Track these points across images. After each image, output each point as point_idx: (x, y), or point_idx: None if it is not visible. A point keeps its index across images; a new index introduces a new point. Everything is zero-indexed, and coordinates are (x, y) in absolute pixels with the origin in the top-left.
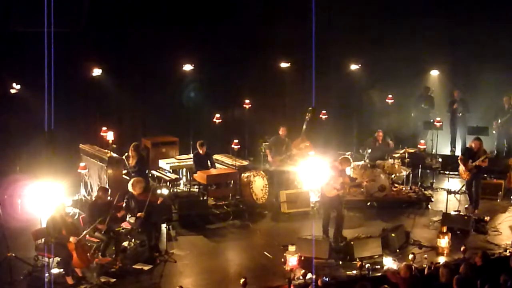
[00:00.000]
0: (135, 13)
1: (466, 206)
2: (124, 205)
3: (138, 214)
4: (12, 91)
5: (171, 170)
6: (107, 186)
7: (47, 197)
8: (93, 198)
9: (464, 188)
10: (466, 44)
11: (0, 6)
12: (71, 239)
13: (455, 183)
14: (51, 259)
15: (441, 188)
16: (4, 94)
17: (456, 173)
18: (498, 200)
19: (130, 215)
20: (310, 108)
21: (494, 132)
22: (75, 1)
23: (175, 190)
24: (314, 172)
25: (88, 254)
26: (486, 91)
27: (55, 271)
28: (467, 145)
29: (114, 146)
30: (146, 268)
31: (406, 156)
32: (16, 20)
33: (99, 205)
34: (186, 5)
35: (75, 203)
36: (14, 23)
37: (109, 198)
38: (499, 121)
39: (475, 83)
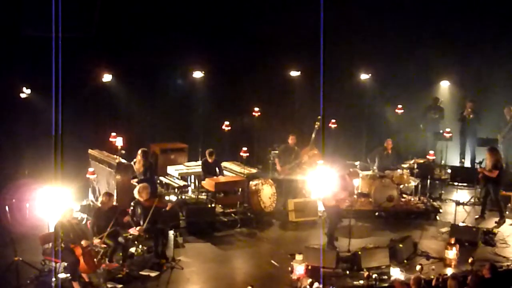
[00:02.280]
0: (145, 19)
1: (476, 217)
2: (130, 211)
3: (138, 228)
4: (22, 95)
5: (179, 177)
6: (115, 192)
7: (55, 201)
8: (99, 204)
9: (473, 200)
10: (478, 55)
11: (11, 11)
12: (83, 242)
13: (464, 194)
14: (58, 264)
15: (450, 199)
16: (15, 98)
17: (465, 184)
18: (507, 213)
19: (134, 224)
20: (319, 117)
21: (500, 145)
22: (86, 7)
23: (183, 197)
24: (322, 181)
25: (95, 259)
26: (497, 103)
27: (62, 276)
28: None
29: (123, 152)
30: (153, 274)
31: (415, 167)
32: (27, 25)
33: (104, 210)
34: (197, 13)
35: (83, 208)
36: (25, 27)
37: (114, 203)
38: (503, 132)
39: (486, 95)
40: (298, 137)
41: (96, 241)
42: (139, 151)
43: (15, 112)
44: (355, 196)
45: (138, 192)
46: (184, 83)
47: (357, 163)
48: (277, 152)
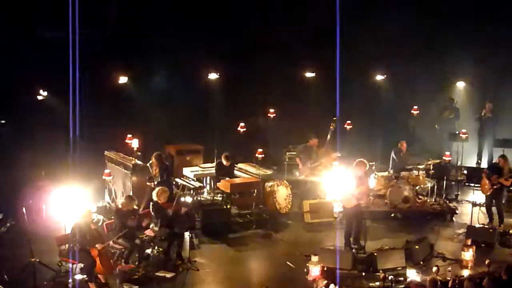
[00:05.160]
0: (161, 21)
1: (487, 222)
2: (150, 213)
3: (154, 230)
4: (39, 97)
5: (195, 178)
6: (131, 193)
7: (72, 203)
8: (119, 205)
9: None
10: (495, 55)
11: (28, 13)
12: (97, 245)
13: (480, 195)
14: (74, 265)
15: (466, 201)
16: (32, 100)
17: None
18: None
19: (154, 224)
20: (334, 118)
21: None
22: (102, 8)
23: (199, 198)
24: (338, 182)
25: (111, 260)
26: None
27: (78, 277)
28: (495, 160)
29: (139, 153)
30: (168, 275)
31: (431, 168)
32: (43, 27)
33: (124, 212)
34: (212, 15)
35: (99, 210)
36: (41, 29)
37: (135, 206)
38: None
39: (504, 95)
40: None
41: (111, 242)
42: (153, 156)
43: (32, 114)
44: (373, 186)
45: (157, 195)
46: (199, 85)
47: (372, 163)
48: (296, 151)
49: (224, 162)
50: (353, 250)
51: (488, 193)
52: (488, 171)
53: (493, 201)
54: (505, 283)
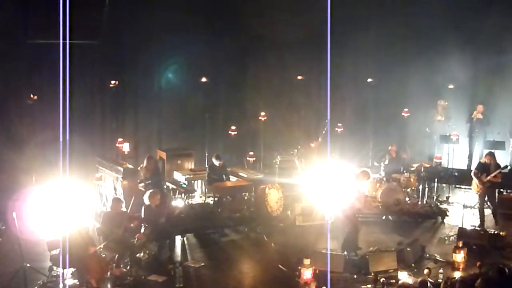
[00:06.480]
0: (151, 25)
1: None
2: (141, 216)
3: (144, 232)
4: (29, 102)
5: (186, 182)
6: (122, 197)
7: (62, 207)
8: (108, 209)
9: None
10: (486, 58)
11: (17, 17)
12: (90, 249)
13: (471, 197)
14: (65, 270)
15: (457, 203)
16: (21, 105)
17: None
18: None
19: (145, 228)
20: (326, 121)
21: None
22: (93, 13)
23: (190, 201)
24: (330, 185)
25: (102, 265)
26: (506, 106)
27: (69, 281)
28: (481, 160)
29: (130, 157)
30: (160, 280)
31: (422, 170)
32: (33, 31)
33: (112, 216)
34: (202, 17)
35: (90, 214)
36: (31, 34)
37: (123, 209)
38: None
39: (494, 98)
40: (305, 140)
41: (102, 246)
42: (146, 158)
43: (22, 119)
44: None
45: (149, 197)
46: (190, 88)
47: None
48: (297, 154)
49: (216, 162)
50: (345, 253)
51: (480, 192)
52: (477, 171)
53: (486, 201)
54: (496, 284)
